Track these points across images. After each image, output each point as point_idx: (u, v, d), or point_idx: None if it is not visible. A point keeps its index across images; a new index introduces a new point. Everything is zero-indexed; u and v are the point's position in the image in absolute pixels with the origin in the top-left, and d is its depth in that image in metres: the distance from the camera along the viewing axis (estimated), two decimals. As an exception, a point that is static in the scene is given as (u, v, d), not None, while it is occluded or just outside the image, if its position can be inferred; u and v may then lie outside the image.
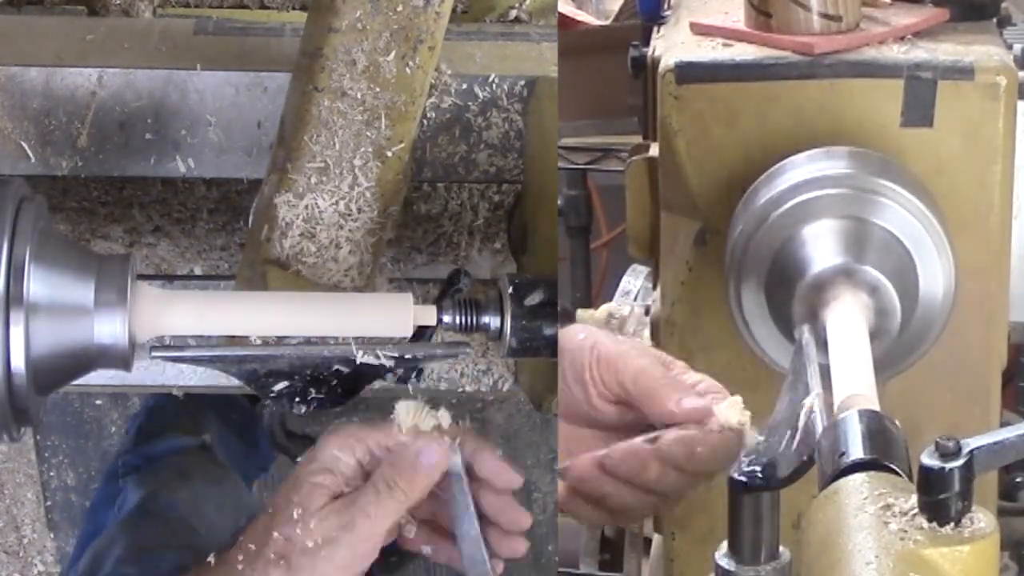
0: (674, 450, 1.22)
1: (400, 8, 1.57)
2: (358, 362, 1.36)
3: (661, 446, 1.23)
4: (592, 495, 1.26)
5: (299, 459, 1.44)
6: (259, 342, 1.50)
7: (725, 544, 1.13)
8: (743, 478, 1.10)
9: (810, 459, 1.11)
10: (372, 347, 1.37)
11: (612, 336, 1.33)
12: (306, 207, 1.62)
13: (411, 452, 1.31)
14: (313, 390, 1.38)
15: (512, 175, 1.79)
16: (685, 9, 1.52)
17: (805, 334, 1.22)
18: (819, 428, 1.10)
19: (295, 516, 1.30)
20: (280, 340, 1.52)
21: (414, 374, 1.38)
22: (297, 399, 1.39)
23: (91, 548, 1.88)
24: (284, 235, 1.62)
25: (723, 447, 1.22)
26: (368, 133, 1.61)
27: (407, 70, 1.59)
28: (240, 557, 1.31)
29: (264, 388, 1.35)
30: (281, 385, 1.35)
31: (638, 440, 1.24)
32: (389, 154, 1.62)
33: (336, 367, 1.37)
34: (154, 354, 1.34)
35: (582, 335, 1.31)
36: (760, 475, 1.10)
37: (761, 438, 1.15)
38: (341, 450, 1.33)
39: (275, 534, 1.30)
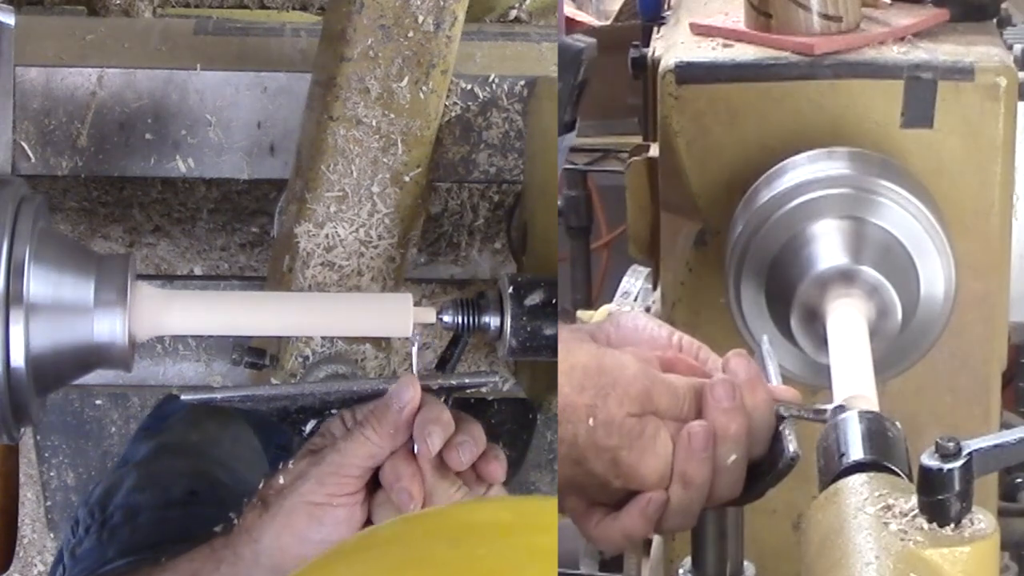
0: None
1: (411, 34, 1.56)
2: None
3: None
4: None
5: None
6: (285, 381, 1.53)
7: (688, 560, 1.13)
8: None
9: (775, 475, 1.10)
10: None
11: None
12: (326, 236, 1.62)
13: (387, 394, 1.32)
14: None
15: (512, 175, 1.79)
16: (685, 9, 1.52)
17: (765, 344, 1.21)
18: (789, 449, 1.08)
19: (279, 467, 1.34)
20: (307, 377, 1.58)
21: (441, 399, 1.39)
22: None
23: (103, 481, 1.88)
24: (306, 265, 1.62)
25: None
26: (385, 159, 1.61)
27: (420, 95, 1.59)
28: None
29: (295, 424, 1.36)
30: (312, 423, 1.36)
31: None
32: (407, 179, 1.62)
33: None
34: (184, 397, 1.35)
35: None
36: None
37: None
38: (333, 421, 1.35)
39: (261, 485, 1.35)
